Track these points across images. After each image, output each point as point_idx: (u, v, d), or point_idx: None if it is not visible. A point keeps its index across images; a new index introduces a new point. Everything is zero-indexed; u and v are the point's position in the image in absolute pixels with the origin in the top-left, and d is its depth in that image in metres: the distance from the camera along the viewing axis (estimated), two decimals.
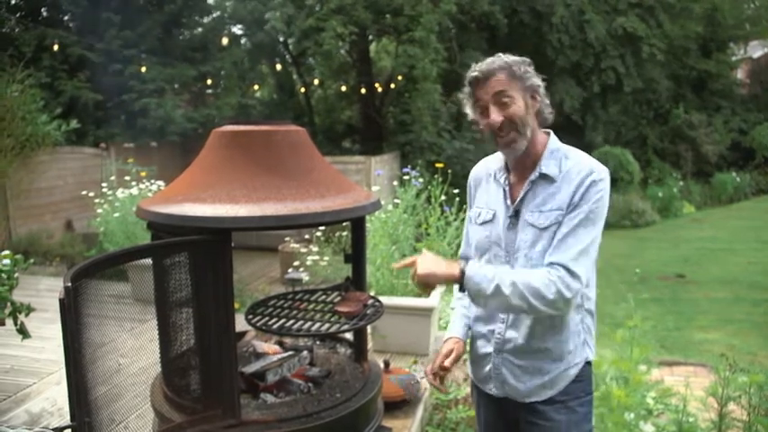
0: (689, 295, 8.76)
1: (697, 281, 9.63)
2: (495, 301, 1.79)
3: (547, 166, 1.86)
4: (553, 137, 1.93)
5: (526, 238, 1.85)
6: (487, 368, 2.00)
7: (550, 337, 1.89)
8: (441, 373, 2.01)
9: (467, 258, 2.15)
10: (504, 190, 1.94)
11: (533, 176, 1.87)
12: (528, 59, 1.87)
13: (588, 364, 1.97)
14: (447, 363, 2.00)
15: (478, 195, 2.07)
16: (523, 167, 1.92)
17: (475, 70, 1.83)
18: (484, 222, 1.99)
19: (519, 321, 1.91)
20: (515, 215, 1.90)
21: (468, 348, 2.14)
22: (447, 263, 1.84)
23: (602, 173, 1.82)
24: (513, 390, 1.95)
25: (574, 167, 1.84)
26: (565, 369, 1.91)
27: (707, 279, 9.73)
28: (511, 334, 1.92)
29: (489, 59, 1.84)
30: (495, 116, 1.80)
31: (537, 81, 1.85)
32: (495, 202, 1.97)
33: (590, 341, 1.97)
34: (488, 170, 2.06)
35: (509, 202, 1.92)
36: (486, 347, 2.00)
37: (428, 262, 1.81)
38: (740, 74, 22.66)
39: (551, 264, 1.78)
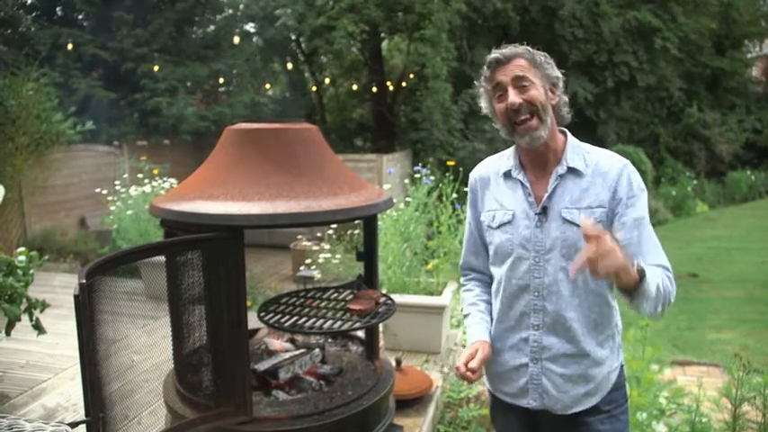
0: (702, 294, 8.69)
1: (710, 280, 9.55)
2: (648, 305, 1.61)
3: (572, 160, 1.79)
4: (570, 134, 1.87)
5: (564, 237, 1.75)
6: (523, 381, 1.85)
7: (593, 338, 1.80)
8: (469, 376, 1.76)
9: (470, 269, 2.06)
10: (525, 187, 1.82)
11: (561, 170, 1.78)
12: (546, 54, 1.81)
13: (622, 366, 1.91)
14: (473, 364, 1.76)
15: (486, 197, 1.93)
16: (543, 163, 1.82)
17: (495, 53, 1.76)
18: (502, 225, 1.85)
19: (558, 325, 1.78)
20: (543, 212, 1.78)
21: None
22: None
23: (628, 161, 1.80)
24: (554, 401, 1.82)
25: (603, 161, 1.78)
26: (608, 373, 1.83)
27: (720, 278, 9.65)
28: (550, 340, 1.80)
29: (510, 46, 1.77)
30: (514, 97, 1.72)
31: (556, 73, 1.80)
32: (511, 201, 1.84)
33: (621, 343, 1.92)
34: (496, 170, 1.93)
35: (532, 199, 1.80)
36: (518, 358, 1.86)
37: (620, 253, 1.48)
38: (755, 72, 22.45)
39: (656, 266, 1.70)
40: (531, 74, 1.74)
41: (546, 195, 1.78)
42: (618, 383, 1.87)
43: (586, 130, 16.23)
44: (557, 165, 1.80)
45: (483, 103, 1.86)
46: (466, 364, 1.76)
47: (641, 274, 1.54)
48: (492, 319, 1.95)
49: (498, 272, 1.90)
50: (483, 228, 1.93)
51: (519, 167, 1.86)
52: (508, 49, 1.76)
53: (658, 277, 1.65)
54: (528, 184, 1.82)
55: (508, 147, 1.97)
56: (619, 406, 1.87)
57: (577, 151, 1.81)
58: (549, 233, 1.77)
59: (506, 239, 1.83)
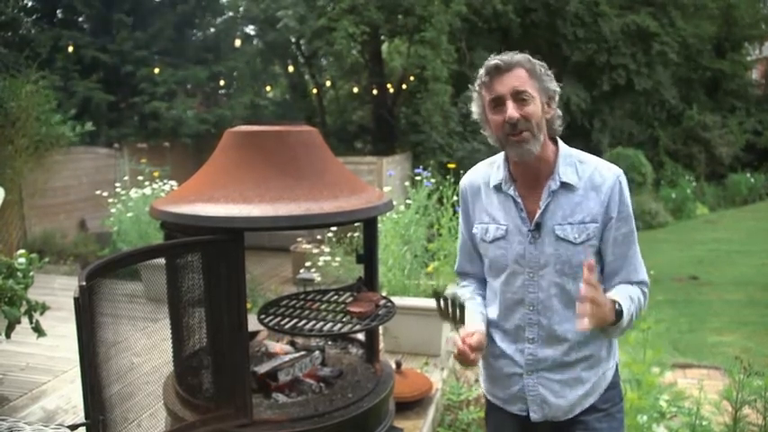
0: (702, 297, 8.68)
1: (711, 282, 9.54)
2: (615, 334, 1.79)
3: (565, 174, 1.76)
4: (561, 142, 1.84)
5: (558, 253, 1.75)
6: (515, 388, 1.86)
7: (591, 344, 1.81)
8: (465, 350, 1.73)
9: (465, 273, 2.04)
10: (516, 202, 1.80)
11: (554, 186, 1.75)
12: (545, 65, 1.78)
13: (617, 365, 1.94)
14: (472, 341, 1.74)
15: (477, 208, 1.90)
16: (534, 176, 1.79)
17: (495, 59, 1.71)
18: (495, 240, 1.83)
19: (553, 338, 1.79)
20: (536, 229, 1.77)
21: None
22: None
23: (621, 171, 1.80)
24: (555, 409, 1.83)
25: (596, 173, 1.76)
26: (603, 372, 1.86)
27: (721, 281, 9.64)
28: (545, 352, 1.81)
29: (509, 53, 1.72)
30: (513, 111, 1.67)
31: (554, 87, 1.76)
32: (503, 216, 1.82)
33: (616, 342, 1.94)
34: (486, 179, 1.89)
35: (524, 215, 1.78)
36: (512, 367, 1.86)
37: (606, 308, 1.63)
38: (755, 74, 22.47)
39: (637, 282, 1.81)
40: (529, 86, 1.70)
41: (539, 212, 1.77)
42: (613, 382, 1.90)
43: (581, 137, 16.20)
44: (549, 178, 1.77)
45: (474, 108, 1.84)
46: (464, 341, 1.75)
47: (618, 315, 1.67)
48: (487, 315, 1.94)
49: (494, 283, 1.90)
50: (476, 240, 1.91)
51: (509, 181, 1.82)
52: (508, 56, 1.71)
53: (634, 304, 1.74)
54: (520, 200, 1.80)
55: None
56: (615, 404, 1.90)
57: (569, 162, 1.79)
58: (542, 249, 1.77)
59: (501, 254, 1.83)
